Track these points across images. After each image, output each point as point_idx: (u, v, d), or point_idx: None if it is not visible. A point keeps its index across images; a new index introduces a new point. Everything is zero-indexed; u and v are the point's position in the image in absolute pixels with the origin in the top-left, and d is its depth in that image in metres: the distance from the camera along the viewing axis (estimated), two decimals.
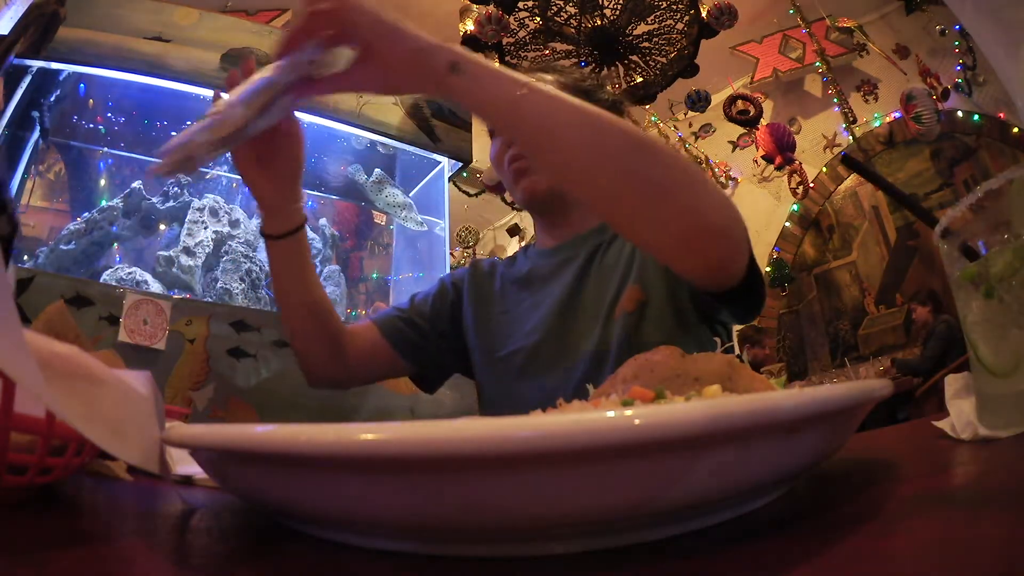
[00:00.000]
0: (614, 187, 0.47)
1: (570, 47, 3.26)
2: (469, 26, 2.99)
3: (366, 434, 0.17)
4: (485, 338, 0.78)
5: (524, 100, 0.46)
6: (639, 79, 3.40)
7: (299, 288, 0.69)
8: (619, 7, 3.06)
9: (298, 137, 0.62)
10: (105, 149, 2.29)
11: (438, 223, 2.80)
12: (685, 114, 4.56)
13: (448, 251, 2.81)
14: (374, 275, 2.80)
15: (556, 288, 0.74)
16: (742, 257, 0.53)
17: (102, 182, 2.28)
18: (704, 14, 2.97)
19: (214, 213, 2.27)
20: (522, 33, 3.16)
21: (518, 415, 0.21)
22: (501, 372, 0.75)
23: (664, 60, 3.29)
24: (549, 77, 0.76)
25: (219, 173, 2.51)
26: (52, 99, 2.15)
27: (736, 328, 4.31)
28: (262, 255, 2.38)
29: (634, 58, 3.30)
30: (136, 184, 2.20)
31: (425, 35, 0.49)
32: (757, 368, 3.67)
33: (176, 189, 2.28)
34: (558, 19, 3.13)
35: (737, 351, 4.03)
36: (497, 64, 0.51)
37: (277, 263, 0.69)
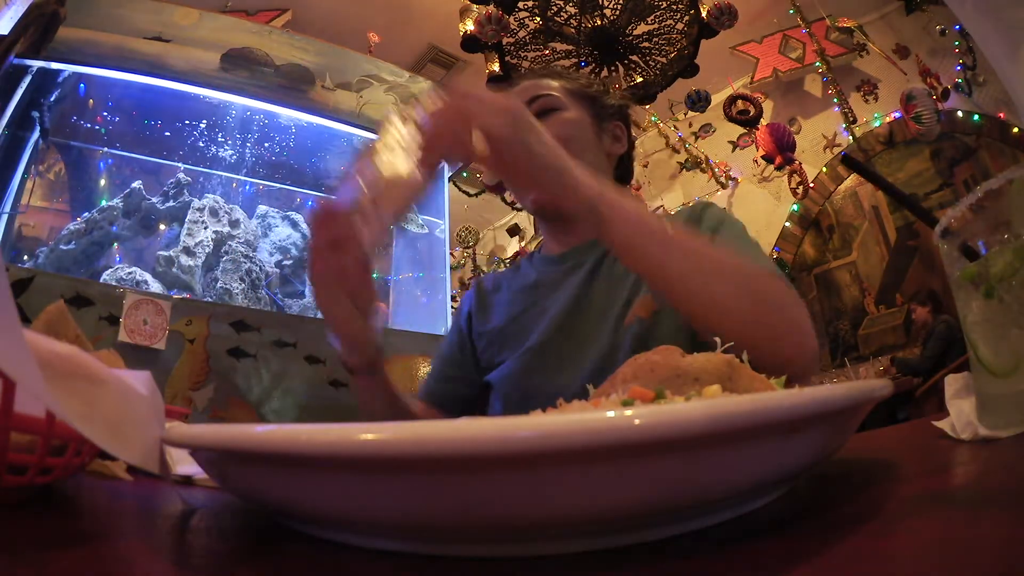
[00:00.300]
0: (737, 315, 0.51)
1: (570, 47, 3.25)
2: (469, 26, 2.99)
3: (366, 434, 0.17)
4: (495, 346, 0.78)
5: (664, 247, 0.50)
6: (639, 79, 3.40)
7: (383, 413, 0.67)
8: (619, 7, 3.05)
9: (368, 263, 0.58)
10: (105, 149, 2.29)
11: (438, 223, 2.80)
12: (685, 114, 4.56)
13: (448, 251, 2.81)
14: (374, 275, 2.80)
15: (563, 294, 0.74)
16: (806, 360, 0.54)
17: (102, 182, 2.28)
18: (704, 14, 2.97)
19: (214, 213, 2.27)
20: (522, 33, 3.16)
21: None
22: (508, 376, 0.74)
23: (664, 60, 3.29)
24: (556, 83, 0.77)
25: (219, 173, 2.51)
26: (52, 99, 2.15)
27: None
28: (262, 255, 2.38)
29: (634, 58, 3.30)
30: (136, 184, 2.20)
31: (585, 176, 0.49)
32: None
33: (176, 189, 2.28)
34: (558, 19, 3.13)
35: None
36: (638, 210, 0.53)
37: (362, 393, 0.67)
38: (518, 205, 3.97)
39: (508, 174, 0.51)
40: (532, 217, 5.32)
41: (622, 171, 0.83)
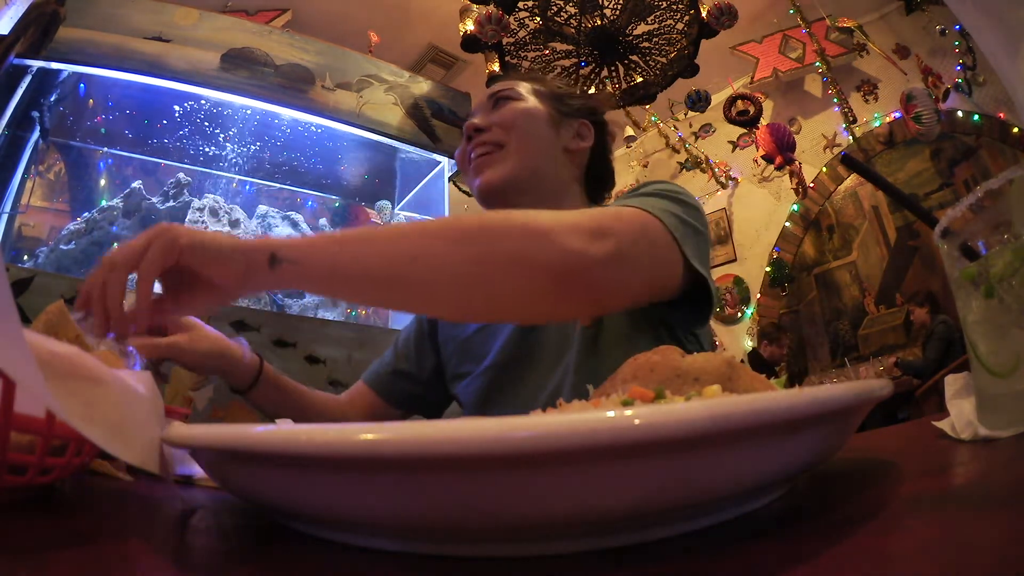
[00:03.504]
0: (465, 289, 0.44)
1: (570, 47, 3.25)
2: (469, 26, 2.99)
3: (366, 434, 0.17)
4: (459, 355, 0.78)
5: (340, 255, 0.44)
6: (639, 79, 3.40)
7: (293, 415, 0.71)
8: (619, 7, 3.05)
9: (179, 358, 0.63)
10: (105, 149, 2.29)
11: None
12: (685, 114, 4.55)
13: None
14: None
15: None
16: (634, 278, 0.48)
17: (102, 182, 2.28)
18: (704, 14, 2.97)
19: (214, 213, 2.27)
20: (522, 33, 3.16)
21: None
22: (474, 391, 0.74)
23: (664, 60, 3.29)
24: (523, 83, 0.78)
25: (219, 173, 2.51)
26: (52, 99, 2.15)
27: (757, 325, 4.31)
28: None
29: (634, 58, 3.30)
30: (136, 184, 2.20)
31: (236, 240, 0.45)
32: (773, 366, 3.66)
33: (176, 189, 2.28)
34: (558, 19, 3.12)
35: (753, 347, 4.04)
36: (320, 235, 0.50)
37: (263, 408, 0.73)
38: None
39: (210, 287, 0.46)
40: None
41: (597, 173, 0.80)
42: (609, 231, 0.46)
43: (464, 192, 4.22)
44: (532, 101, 0.75)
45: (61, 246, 2.01)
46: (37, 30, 1.94)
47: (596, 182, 0.80)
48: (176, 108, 2.35)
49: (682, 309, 0.58)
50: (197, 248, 0.44)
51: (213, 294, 0.46)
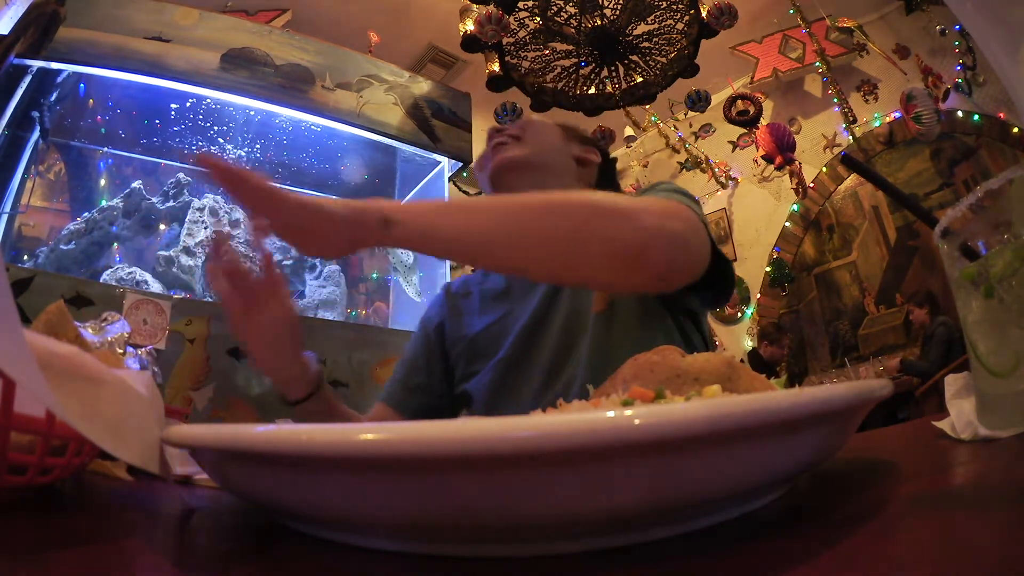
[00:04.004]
0: (549, 258, 0.49)
1: (570, 47, 3.25)
2: (469, 26, 2.99)
3: (366, 434, 0.17)
4: (468, 355, 0.79)
5: (446, 224, 0.48)
6: (639, 79, 3.40)
7: None
8: (619, 7, 3.05)
9: (283, 295, 0.62)
10: (105, 149, 2.29)
11: None
12: (685, 114, 4.55)
13: None
14: (374, 275, 2.80)
15: (534, 299, 0.75)
16: (689, 258, 0.53)
17: (102, 182, 2.28)
18: (704, 14, 2.97)
19: (214, 213, 2.27)
20: (522, 33, 3.16)
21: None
22: (484, 386, 0.75)
23: (664, 60, 3.29)
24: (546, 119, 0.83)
25: None
26: (52, 99, 2.15)
27: (757, 325, 4.32)
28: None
29: (634, 58, 3.30)
30: (136, 184, 2.20)
31: (350, 203, 0.49)
32: (774, 366, 3.65)
33: (176, 189, 2.28)
34: (558, 19, 3.13)
35: (753, 347, 4.04)
36: (423, 202, 0.55)
37: (306, 419, 0.69)
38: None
39: (321, 239, 0.49)
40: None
41: (606, 173, 0.85)
42: (675, 215, 0.51)
43: (464, 192, 4.22)
44: (549, 123, 0.84)
45: (61, 246, 2.01)
46: (37, 30, 1.94)
47: (604, 180, 0.84)
48: (176, 108, 2.35)
49: (700, 292, 0.60)
50: (309, 207, 0.47)
51: (325, 247, 0.50)
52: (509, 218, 0.48)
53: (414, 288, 2.62)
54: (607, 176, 0.85)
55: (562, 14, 3.10)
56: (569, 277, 0.54)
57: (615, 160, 0.89)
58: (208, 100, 2.35)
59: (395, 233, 0.47)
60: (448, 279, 2.77)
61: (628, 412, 0.17)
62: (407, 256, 2.65)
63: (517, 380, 0.73)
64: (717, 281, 0.59)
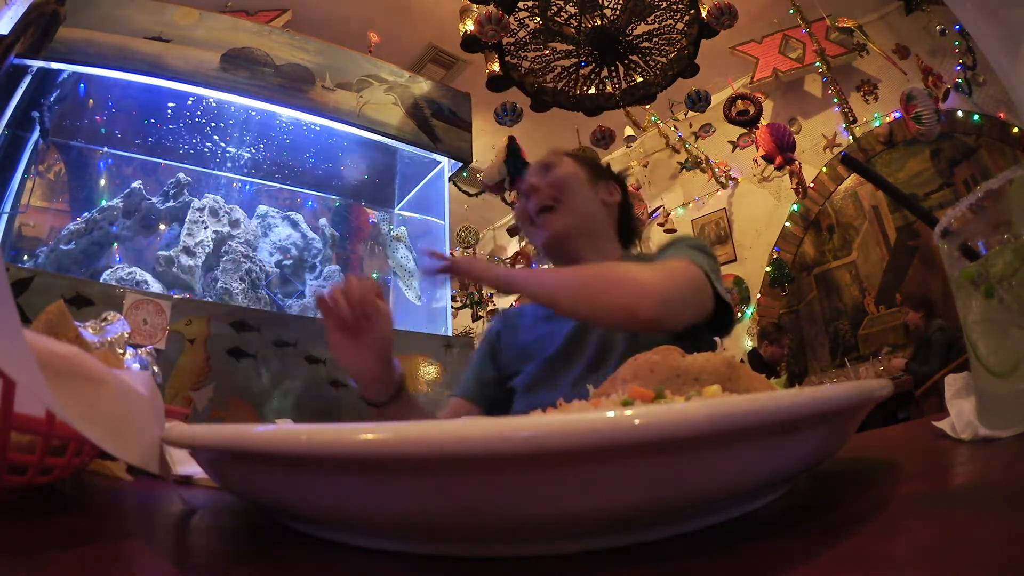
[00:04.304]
0: (585, 309, 0.73)
1: (570, 47, 3.25)
2: (469, 26, 2.99)
3: (366, 434, 0.17)
4: (519, 358, 0.95)
5: (536, 285, 0.75)
6: (639, 79, 3.40)
7: None
8: (619, 7, 3.05)
9: (386, 318, 0.75)
10: (105, 149, 2.29)
11: (438, 223, 2.81)
12: (685, 114, 4.55)
13: (448, 251, 2.81)
14: (374, 275, 2.80)
15: (572, 320, 0.92)
16: (685, 310, 0.71)
17: (102, 182, 2.28)
18: (704, 14, 2.97)
19: (214, 213, 2.27)
20: (522, 33, 3.16)
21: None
22: (527, 377, 0.91)
23: (664, 60, 3.29)
24: (565, 156, 0.98)
25: (219, 173, 2.51)
26: (52, 99, 2.15)
27: (757, 325, 4.32)
28: (262, 255, 2.38)
29: (634, 58, 3.30)
30: (136, 184, 2.20)
31: (487, 273, 0.80)
32: (774, 366, 3.65)
33: (176, 189, 2.28)
34: (558, 19, 3.13)
35: (753, 347, 4.03)
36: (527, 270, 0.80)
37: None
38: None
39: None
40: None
41: (625, 225, 1.02)
42: (678, 278, 0.72)
43: (464, 192, 4.22)
44: (573, 166, 0.97)
45: (61, 246, 2.01)
46: (37, 30, 1.94)
47: (626, 233, 1.02)
48: (176, 108, 2.35)
49: (710, 325, 0.79)
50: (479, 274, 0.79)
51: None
52: (564, 284, 0.74)
53: (414, 292, 2.63)
54: (626, 208, 1.03)
55: (562, 14, 3.10)
56: (596, 322, 0.81)
57: (626, 186, 1.05)
58: (208, 100, 2.35)
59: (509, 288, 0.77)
60: (448, 286, 2.78)
61: (628, 412, 0.17)
62: (407, 261, 2.65)
63: (557, 374, 0.88)
64: (721, 320, 0.78)
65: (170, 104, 2.33)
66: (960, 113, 3.90)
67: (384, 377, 0.75)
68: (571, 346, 0.89)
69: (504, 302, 6.22)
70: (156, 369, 0.71)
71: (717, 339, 0.88)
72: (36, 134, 2.10)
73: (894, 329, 3.91)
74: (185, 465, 0.38)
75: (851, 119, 3.97)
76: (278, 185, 2.68)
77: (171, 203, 2.24)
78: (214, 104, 2.38)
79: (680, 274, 0.73)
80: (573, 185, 0.94)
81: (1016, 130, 3.67)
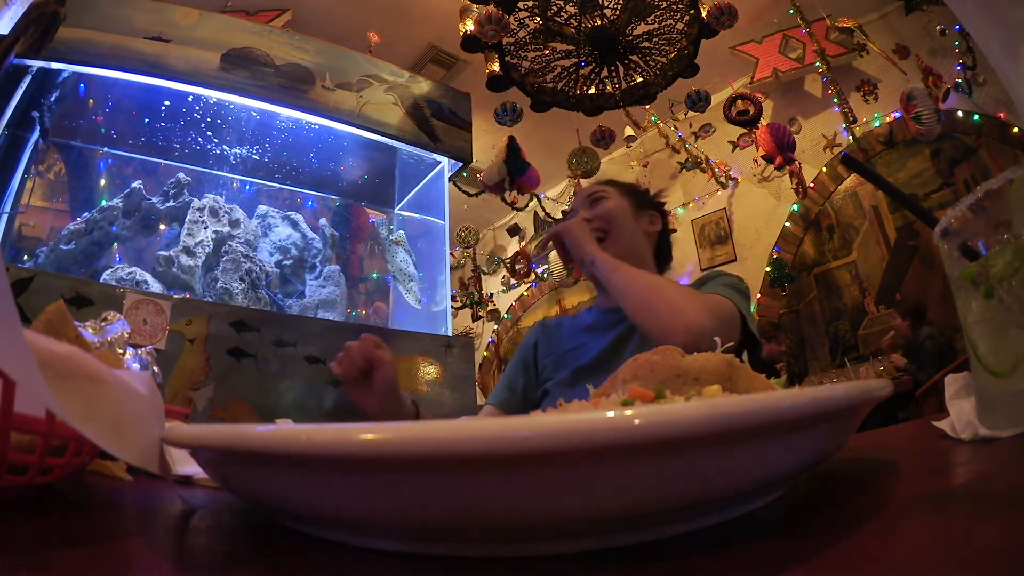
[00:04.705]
0: (647, 313, 0.84)
1: (570, 47, 3.25)
2: (469, 26, 2.99)
3: (366, 434, 0.17)
4: (555, 365, 1.03)
5: (614, 276, 0.90)
6: (639, 79, 3.40)
7: None
8: (619, 7, 3.05)
9: (387, 364, 0.85)
10: (105, 149, 2.29)
11: (438, 223, 2.81)
12: (685, 114, 4.55)
13: (448, 251, 2.81)
14: (374, 275, 2.80)
15: (611, 334, 1.00)
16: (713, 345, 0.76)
17: (102, 182, 2.28)
18: (704, 14, 2.96)
19: (214, 213, 2.27)
20: (522, 33, 3.15)
21: None
22: (559, 383, 0.98)
23: (664, 60, 3.29)
24: (608, 186, 1.09)
25: (219, 173, 2.51)
26: (52, 99, 2.15)
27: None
28: (262, 255, 2.38)
29: (634, 58, 3.30)
30: (136, 184, 2.20)
31: (587, 245, 0.95)
32: (773, 364, 3.64)
33: (176, 189, 2.28)
34: (558, 19, 3.12)
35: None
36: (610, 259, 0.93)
37: None
38: (518, 205, 4.00)
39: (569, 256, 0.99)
40: (533, 218, 5.37)
41: (662, 250, 1.11)
42: (713, 315, 0.82)
43: (464, 192, 4.22)
44: (617, 199, 1.06)
45: (61, 246, 2.01)
46: (37, 30, 1.94)
47: (661, 258, 1.12)
48: (176, 108, 2.35)
49: (737, 352, 0.89)
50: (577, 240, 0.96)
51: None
52: (634, 286, 0.87)
53: (414, 296, 2.63)
54: (664, 235, 1.12)
55: (562, 14, 3.10)
56: (637, 324, 0.88)
57: (665, 212, 1.15)
58: (208, 100, 2.35)
59: (594, 271, 0.93)
60: (448, 286, 2.78)
61: (628, 412, 0.17)
62: (407, 265, 2.65)
63: (587, 383, 0.89)
64: (747, 351, 0.93)
65: (170, 104, 2.33)
66: (960, 113, 3.90)
67: (395, 410, 0.86)
68: (603, 359, 0.97)
69: (503, 303, 6.23)
70: (156, 369, 0.71)
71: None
72: (36, 134, 2.10)
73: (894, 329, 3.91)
74: (185, 465, 0.38)
75: (851, 119, 3.97)
76: (278, 185, 2.68)
77: (171, 203, 2.24)
78: (214, 104, 2.38)
79: (717, 309, 0.85)
80: (620, 219, 1.03)
81: (1016, 130, 3.67)
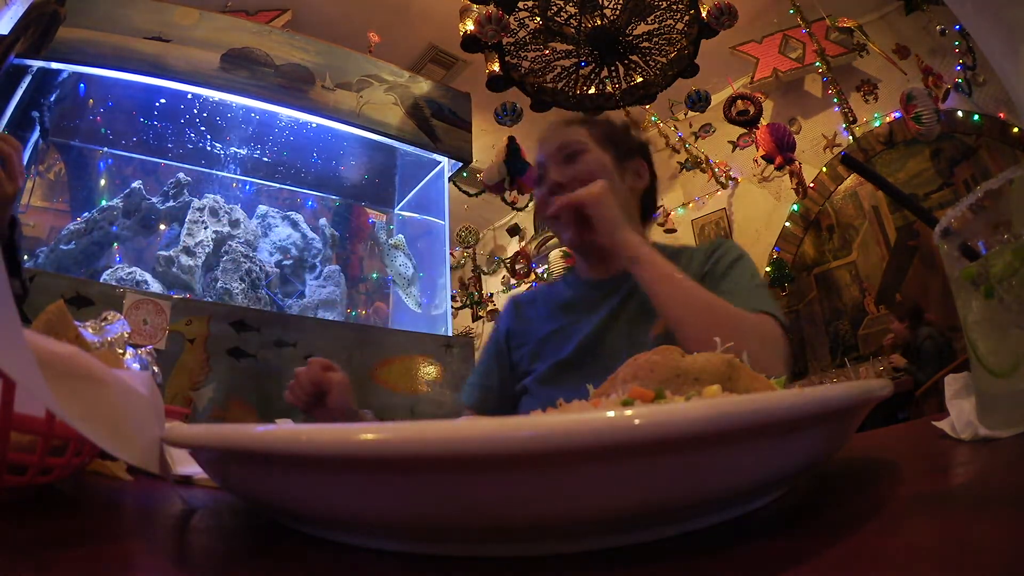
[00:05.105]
0: (690, 330, 0.70)
1: (570, 47, 3.25)
2: (469, 26, 2.99)
3: (366, 434, 0.17)
4: (531, 355, 0.88)
5: (660, 282, 0.73)
6: (639, 79, 3.40)
7: None
8: (619, 7, 3.05)
9: (338, 385, 0.84)
10: (105, 149, 2.29)
11: (438, 223, 2.81)
12: (685, 114, 4.55)
13: (448, 251, 2.81)
14: (374, 275, 2.80)
15: (597, 316, 0.85)
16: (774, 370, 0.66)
17: (102, 182, 2.28)
18: (704, 14, 2.97)
19: (214, 213, 2.27)
20: (522, 33, 3.15)
21: None
22: (538, 382, 0.85)
23: (664, 60, 3.29)
24: (582, 131, 0.90)
25: (219, 173, 2.51)
26: (52, 99, 2.15)
27: None
28: (262, 255, 2.38)
29: (634, 58, 3.30)
30: (136, 184, 2.20)
31: (624, 233, 0.76)
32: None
33: (176, 189, 2.28)
34: (558, 19, 3.13)
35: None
36: (659, 260, 0.75)
37: None
38: (518, 205, 4.00)
39: (590, 231, 0.78)
40: (533, 217, 5.36)
41: (647, 203, 0.96)
42: (777, 354, 0.72)
43: (464, 192, 4.22)
44: (597, 152, 0.88)
45: (61, 246, 2.01)
46: (37, 30, 1.94)
47: (646, 213, 0.96)
48: (176, 108, 2.35)
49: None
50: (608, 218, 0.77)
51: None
52: (687, 303, 0.72)
53: (414, 300, 2.63)
54: (651, 189, 0.97)
55: (562, 14, 3.10)
56: (693, 345, 0.69)
57: (652, 165, 0.98)
58: (208, 100, 2.35)
59: (636, 269, 0.74)
60: (448, 286, 2.78)
61: (628, 412, 0.17)
62: (406, 268, 2.65)
63: (573, 381, 0.79)
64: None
65: (170, 104, 2.33)
66: (960, 113, 3.90)
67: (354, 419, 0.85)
68: (587, 349, 0.83)
69: (503, 303, 6.21)
70: (156, 369, 0.71)
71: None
72: (36, 134, 2.10)
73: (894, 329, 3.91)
74: (185, 465, 0.38)
75: (851, 119, 3.96)
76: (278, 185, 2.68)
77: (171, 203, 2.24)
78: (214, 104, 2.38)
79: (771, 338, 0.73)
80: (602, 176, 0.84)
81: (1016, 130, 3.67)
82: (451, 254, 4.15)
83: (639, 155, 0.94)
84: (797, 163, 3.79)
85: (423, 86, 2.70)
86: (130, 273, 1.99)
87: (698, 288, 0.72)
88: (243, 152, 2.54)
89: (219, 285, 2.14)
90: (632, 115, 4.02)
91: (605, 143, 0.90)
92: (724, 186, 4.86)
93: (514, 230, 6.17)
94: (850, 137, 4.08)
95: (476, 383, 0.95)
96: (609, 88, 3.43)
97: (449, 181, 2.82)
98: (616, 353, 0.79)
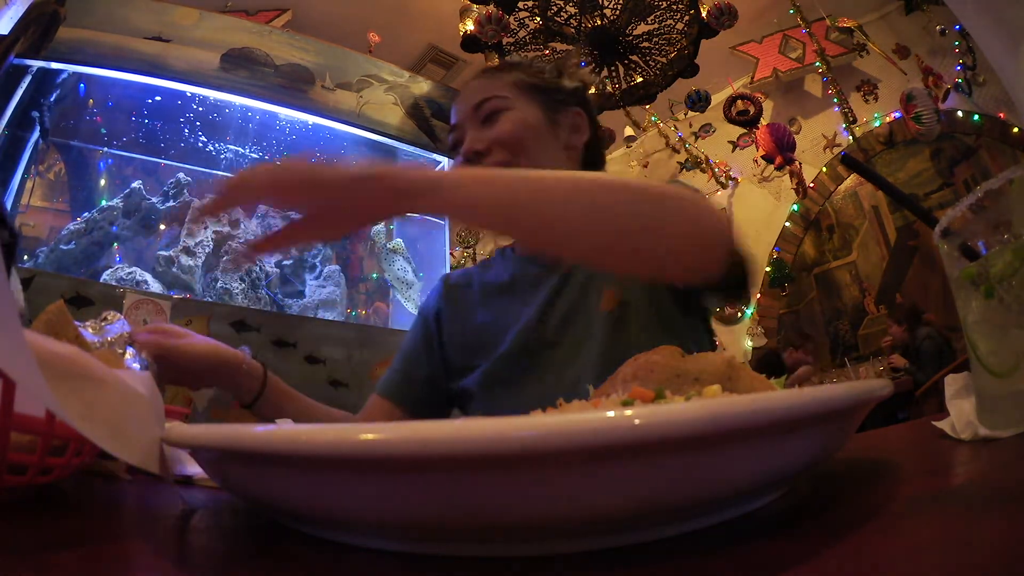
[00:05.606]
0: (629, 240, 0.47)
1: (570, 47, 3.25)
2: (469, 26, 2.99)
3: (366, 434, 0.17)
4: (468, 349, 0.75)
5: (490, 186, 0.45)
6: (639, 79, 3.40)
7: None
8: (619, 7, 3.05)
9: (175, 356, 0.63)
10: (105, 149, 2.29)
11: (438, 223, 2.80)
12: (685, 114, 4.55)
13: (448, 251, 2.81)
14: (374, 275, 2.80)
15: (540, 295, 0.72)
16: (723, 255, 0.51)
17: (102, 182, 2.28)
18: (704, 14, 2.97)
19: None
20: (522, 33, 3.16)
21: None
22: (484, 380, 0.73)
23: (664, 60, 3.29)
24: (506, 79, 0.74)
25: (219, 173, 2.51)
26: (52, 99, 2.14)
27: (758, 325, 4.30)
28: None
29: (634, 58, 3.30)
30: (136, 184, 2.20)
31: (357, 172, 0.43)
32: (794, 370, 3.63)
33: (176, 189, 2.28)
34: (558, 19, 3.13)
35: (755, 347, 4.02)
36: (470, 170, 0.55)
37: (266, 415, 0.73)
38: None
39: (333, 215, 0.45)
40: None
41: (591, 159, 0.77)
42: (716, 228, 0.51)
43: None
44: (523, 106, 0.71)
45: (61, 246, 2.01)
46: (37, 30, 1.94)
47: (590, 167, 0.78)
48: (176, 108, 2.35)
49: (719, 290, 0.57)
50: (315, 186, 0.43)
51: (343, 225, 0.47)
52: (586, 195, 0.45)
53: (413, 304, 2.63)
54: (593, 145, 0.77)
55: (562, 14, 3.10)
56: (643, 263, 0.51)
57: (591, 105, 0.79)
58: (208, 100, 2.35)
59: (426, 201, 0.43)
60: (448, 268, 2.77)
61: (628, 412, 0.17)
62: (405, 272, 2.65)
63: (519, 377, 0.70)
64: (735, 276, 0.55)
65: (170, 104, 2.33)
66: (960, 113, 3.90)
67: (232, 384, 0.70)
68: (526, 347, 0.70)
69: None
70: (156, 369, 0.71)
71: (717, 340, 0.76)
72: (36, 134, 2.10)
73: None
74: (185, 465, 0.38)
75: (851, 119, 3.97)
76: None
77: (171, 203, 2.24)
78: (214, 104, 2.38)
79: (702, 208, 0.51)
80: (529, 140, 0.69)
81: (1016, 130, 3.67)
82: (451, 254, 4.15)
83: (576, 102, 0.76)
84: (797, 163, 3.79)
85: (423, 86, 2.69)
86: (130, 273, 1.99)
87: (557, 173, 0.48)
88: (243, 152, 2.54)
89: (219, 285, 2.14)
90: (632, 115, 4.03)
91: (532, 93, 0.73)
92: (724, 186, 4.86)
93: None
94: (850, 137, 4.08)
95: (398, 370, 0.79)
96: (609, 88, 3.43)
97: None
98: (563, 340, 0.69)
